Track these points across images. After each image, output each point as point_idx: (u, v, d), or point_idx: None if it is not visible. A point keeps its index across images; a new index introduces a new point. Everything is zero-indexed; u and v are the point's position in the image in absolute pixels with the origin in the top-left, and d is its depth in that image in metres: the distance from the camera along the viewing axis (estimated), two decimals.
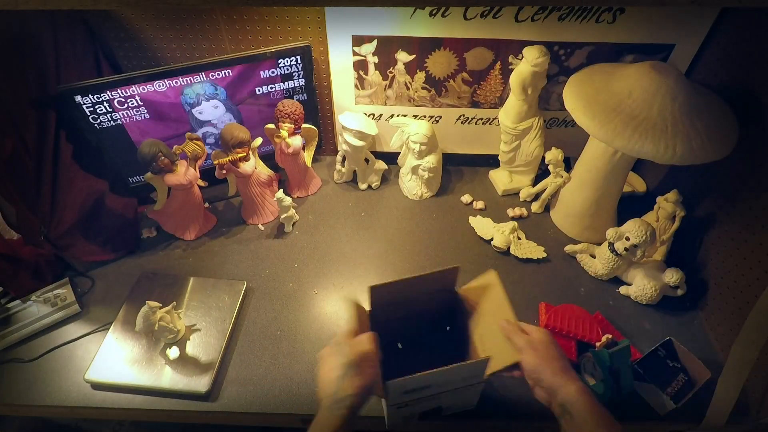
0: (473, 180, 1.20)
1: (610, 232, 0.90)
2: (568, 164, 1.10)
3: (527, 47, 0.94)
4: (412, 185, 1.13)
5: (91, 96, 0.88)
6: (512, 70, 1.00)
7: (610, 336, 0.78)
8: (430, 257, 1.01)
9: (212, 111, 1.00)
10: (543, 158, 1.06)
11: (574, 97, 0.85)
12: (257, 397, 0.78)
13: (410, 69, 1.02)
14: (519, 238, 1.03)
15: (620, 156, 0.88)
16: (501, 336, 0.65)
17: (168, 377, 0.79)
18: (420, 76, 1.04)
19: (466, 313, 0.73)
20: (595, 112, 0.81)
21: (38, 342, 0.85)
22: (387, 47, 0.99)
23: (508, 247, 1.01)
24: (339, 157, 1.15)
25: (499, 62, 1.01)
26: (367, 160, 1.14)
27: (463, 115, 1.11)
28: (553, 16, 0.92)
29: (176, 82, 0.93)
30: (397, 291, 0.70)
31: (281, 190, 1.00)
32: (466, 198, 1.13)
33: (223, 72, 0.95)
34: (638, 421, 0.77)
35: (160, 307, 0.79)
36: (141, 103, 0.93)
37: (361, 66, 1.02)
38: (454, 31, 0.95)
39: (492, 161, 1.18)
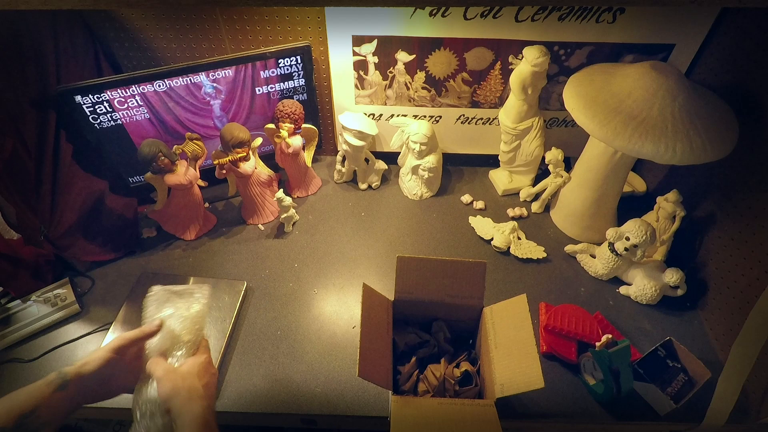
0: (473, 180, 1.20)
1: (610, 232, 0.90)
2: (568, 164, 1.10)
3: (527, 47, 0.94)
4: (412, 185, 1.13)
5: (91, 96, 0.88)
6: (512, 70, 1.00)
7: (610, 336, 0.77)
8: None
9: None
10: (543, 158, 1.06)
11: (574, 97, 0.85)
12: (257, 397, 0.78)
13: (410, 69, 1.03)
14: (519, 238, 1.03)
15: (620, 156, 0.88)
16: (521, 362, 0.65)
17: None
18: (420, 76, 1.04)
19: (488, 331, 0.73)
20: (595, 112, 0.81)
21: (38, 342, 0.85)
22: (387, 47, 0.99)
23: (508, 247, 1.01)
24: (339, 157, 1.15)
25: (499, 62, 1.01)
26: (367, 160, 1.14)
27: (463, 115, 1.11)
28: (553, 16, 0.92)
29: (176, 82, 0.93)
30: (424, 274, 0.71)
31: (281, 190, 1.00)
32: (466, 198, 1.13)
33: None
34: (638, 421, 0.77)
35: None
36: (141, 103, 0.93)
37: (361, 66, 1.02)
38: (454, 31, 0.95)
39: (492, 161, 1.18)
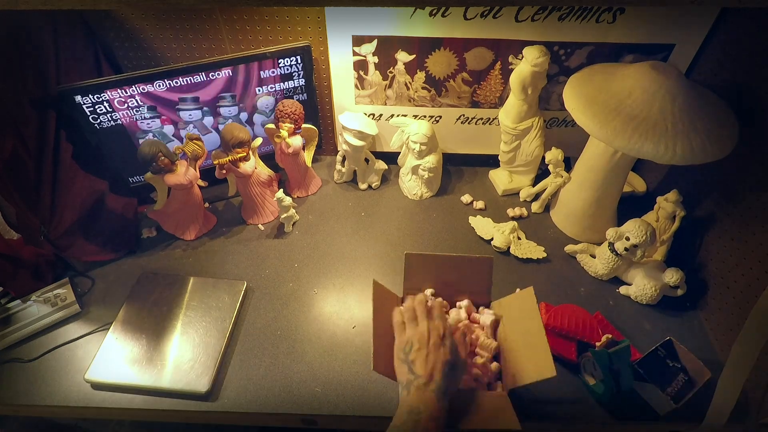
0: (473, 180, 1.20)
1: (610, 232, 0.90)
2: (568, 164, 1.10)
3: (527, 47, 0.94)
4: (412, 185, 1.13)
5: (91, 96, 0.88)
6: (512, 70, 1.00)
7: (610, 336, 0.78)
8: None
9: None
10: (543, 158, 1.06)
11: (574, 97, 0.85)
12: (257, 397, 0.78)
13: (410, 69, 1.02)
14: (519, 238, 1.03)
15: (620, 156, 0.88)
16: (532, 352, 0.66)
17: (168, 377, 0.78)
18: (420, 76, 1.04)
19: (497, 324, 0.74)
20: (595, 112, 0.81)
21: (38, 342, 0.85)
22: (387, 47, 0.99)
23: (508, 247, 1.01)
24: (339, 157, 1.15)
25: (499, 62, 1.01)
26: (367, 160, 1.14)
27: (463, 115, 1.11)
28: (553, 16, 0.92)
29: (176, 82, 0.93)
30: (431, 270, 0.71)
31: (281, 190, 1.00)
32: (466, 198, 1.13)
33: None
34: (638, 421, 0.77)
35: None
36: (141, 103, 0.93)
37: (361, 66, 1.02)
38: (454, 31, 0.95)
39: (492, 161, 1.18)
